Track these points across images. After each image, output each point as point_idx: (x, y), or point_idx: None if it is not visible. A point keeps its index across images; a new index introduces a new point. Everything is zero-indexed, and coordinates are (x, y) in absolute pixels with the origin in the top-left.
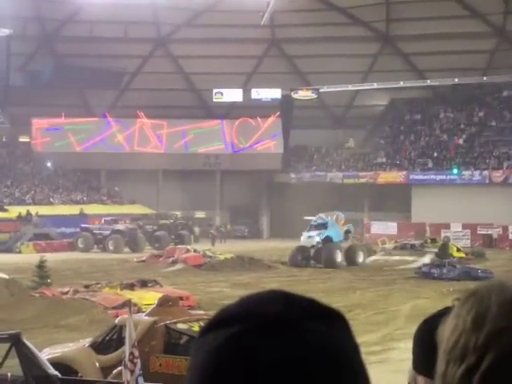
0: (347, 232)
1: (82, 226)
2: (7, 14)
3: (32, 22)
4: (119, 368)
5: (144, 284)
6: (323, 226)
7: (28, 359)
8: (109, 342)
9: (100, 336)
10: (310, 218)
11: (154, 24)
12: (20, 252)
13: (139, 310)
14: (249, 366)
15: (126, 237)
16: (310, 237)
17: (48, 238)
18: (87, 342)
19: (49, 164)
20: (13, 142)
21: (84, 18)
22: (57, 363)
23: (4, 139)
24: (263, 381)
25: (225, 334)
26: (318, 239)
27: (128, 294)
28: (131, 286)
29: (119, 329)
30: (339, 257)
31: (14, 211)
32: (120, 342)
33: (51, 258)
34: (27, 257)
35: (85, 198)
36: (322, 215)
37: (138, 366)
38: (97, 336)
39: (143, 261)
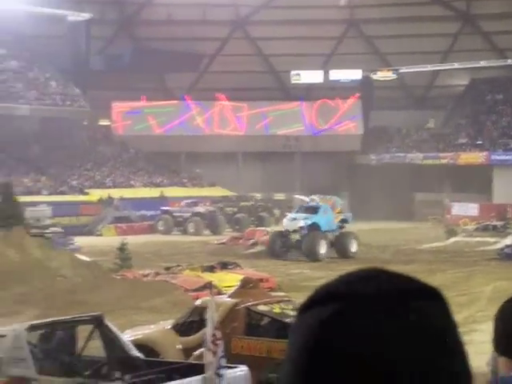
0: (343, 221)
1: (163, 208)
2: None
3: (111, 6)
4: (201, 349)
5: (224, 266)
6: (313, 209)
7: (110, 341)
8: (190, 324)
9: (181, 318)
10: (302, 197)
11: (232, 6)
12: (101, 235)
13: (219, 292)
14: (352, 343)
15: (206, 219)
16: (294, 219)
17: (129, 220)
18: (169, 323)
19: (129, 147)
20: (93, 125)
21: (162, 2)
22: (139, 345)
23: (85, 123)
24: (367, 357)
25: (327, 311)
26: (302, 224)
27: (208, 276)
28: (211, 269)
29: (200, 311)
30: (323, 248)
31: (95, 194)
32: (201, 324)
33: (132, 240)
34: (108, 239)
35: (165, 181)
36: (315, 197)
37: (221, 347)
38: (178, 318)
39: (223, 243)
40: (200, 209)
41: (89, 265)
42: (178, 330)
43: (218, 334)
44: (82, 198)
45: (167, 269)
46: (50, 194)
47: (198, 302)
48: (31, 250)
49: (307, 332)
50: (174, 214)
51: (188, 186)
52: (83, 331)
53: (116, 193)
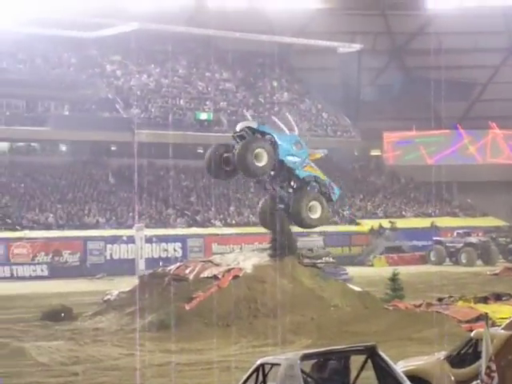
0: (325, 192)
1: (435, 238)
2: (358, 30)
3: (382, 37)
4: (475, 382)
5: (498, 297)
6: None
7: (383, 372)
8: (464, 356)
9: (455, 349)
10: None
11: (505, 33)
12: (372, 265)
13: (494, 324)
14: None
15: (478, 249)
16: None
17: (400, 250)
18: (442, 355)
19: (400, 177)
20: (365, 155)
21: (433, 30)
22: (411, 376)
23: (356, 153)
24: None
25: None
26: (253, 123)
27: (482, 308)
28: (485, 300)
29: (475, 342)
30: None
31: (367, 225)
32: (475, 356)
33: (403, 270)
34: (379, 270)
35: (436, 211)
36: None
37: (495, 380)
38: (452, 349)
39: (496, 274)
40: (472, 239)
41: (360, 295)
42: (451, 361)
43: (493, 366)
44: (353, 228)
45: (439, 300)
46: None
47: (472, 334)
48: (303, 279)
49: None
50: (447, 245)
51: (460, 216)
52: (356, 361)
53: (386, 223)
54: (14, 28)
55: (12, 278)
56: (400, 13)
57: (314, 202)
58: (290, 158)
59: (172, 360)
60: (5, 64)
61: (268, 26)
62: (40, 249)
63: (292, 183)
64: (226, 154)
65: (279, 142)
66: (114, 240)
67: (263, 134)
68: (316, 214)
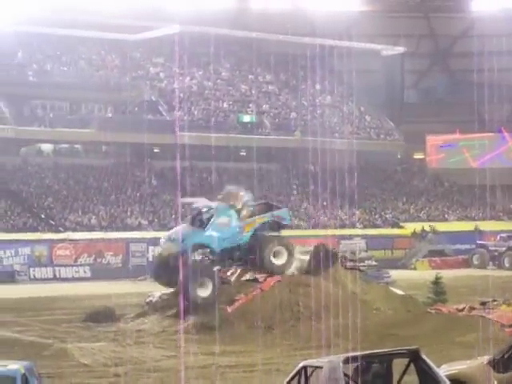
0: (273, 225)
1: (478, 242)
2: (401, 33)
3: (425, 39)
4: None
5: None
6: (201, 219)
7: (426, 375)
8: (507, 360)
9: (498, 354)
10: (188, 200)
11: None
12: (415, 268)
13: None
14: None
15: None
16: (171, 239)
17: (443, 254)
18: (485, 359)
19: (443, 180)
20: (408, 158)
21: (476, 33)
22: (454, 380)
23: (399, 156)
24: None
25: None
26: (173, 248)
27: None
28: None
29: None
30: (206, 290)
31: (409, 228)
32: None
33: (446, 274)
34: (422, 273)
35: (480, 214)
36: (204, 201)
37: None
38: (495, 354)
39: None
40: None
41: (403, 298)
42: (495, 365)
43: None
44: (396, 231)
45: (483, 304)
46: (365, 227)
47: None
48: (346, 282)
49: None
50: (490, 248)
51: (504, 220)
52: (398, 365)
53: (428, 227)
54: (57, 31)
55: (55, 279)
56: (443, 15)
57: (278, 248)
58: (226, 244)
59: (214, 362)
60: (49, 67)
61: (311, 28)
62: (83, 250)
63: (246, 249)
64: None
65: (212, 246)
66: (157, 242)
67: None
68: (281, 260)
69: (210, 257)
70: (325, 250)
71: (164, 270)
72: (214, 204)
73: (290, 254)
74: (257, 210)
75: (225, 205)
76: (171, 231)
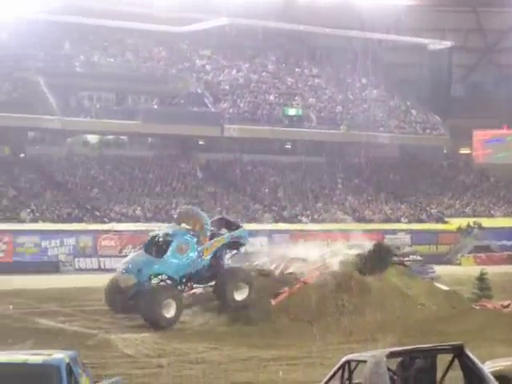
0: (232, 245)
1: None
2: (449, 27)
3: (473, 34)
4: None
5: None
6: (158, 245)
7: (470, 371)
8: None
9: None
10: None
11: None
12: (460, 264)
13: None
14: None
15: None
16: (128, 271)
17: (488, 250)
18: None
19: (490, 175)
20: (454, 153)
21: None
22: (498, 376)
23: (445, 150)
24: None
25: None
26: (130, 281)
27: None
28: None
29: None
30: (171, 310)
31: (454, 223)
32: None
33: (491, 270)
34: (467, 269)
35: None
36: (160, 226)
37: None
38: None
39: None
40: None
41: (447, 294)
42: None
43: None
44: (441, 226)
45: None
46: (409, 221)
47: None
48: (390, 277)
49: None
50: None
51: None
52: (442, 360)
53: (473, 222)
54: (105, 22)
55: (99, 269)
56: (492, 9)
57: (241, 284)
58: (185, 271)
59: (257, 355)
60: (96, 58)
61: (358, 22)
62: (127, 241)
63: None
64: None
65: (170, 275)
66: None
67: None
68: (243, 295)
69: (169, 282)
70: (385, 250)
71: (120, 298)
72: (170, 229)
73: (251, 288)
74: (215, 229)
75: (183, 230)
76: (127, 259)
